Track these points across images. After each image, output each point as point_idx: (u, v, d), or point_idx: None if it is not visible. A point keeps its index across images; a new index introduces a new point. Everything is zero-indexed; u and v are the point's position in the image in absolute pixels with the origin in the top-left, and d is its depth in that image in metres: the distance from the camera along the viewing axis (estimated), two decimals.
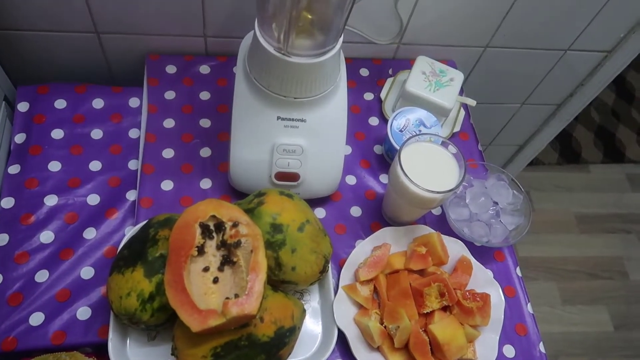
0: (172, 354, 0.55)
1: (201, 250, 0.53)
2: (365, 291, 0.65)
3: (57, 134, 0.74)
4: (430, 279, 0.65)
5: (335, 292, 0.65)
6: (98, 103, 0.78)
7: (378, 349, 0.63)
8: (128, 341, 0.60)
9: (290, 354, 0.59)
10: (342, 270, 0.67)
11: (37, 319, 0.61)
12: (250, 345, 0.54)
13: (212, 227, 0.54)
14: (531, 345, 0.69)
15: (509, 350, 0.68)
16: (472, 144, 0.86)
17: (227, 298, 0.50)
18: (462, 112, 0.87)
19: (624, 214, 1.75)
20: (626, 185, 1.82)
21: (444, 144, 0.68)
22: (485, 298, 0.65)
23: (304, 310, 0.61)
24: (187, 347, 0.53)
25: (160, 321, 0.56)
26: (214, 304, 0.51)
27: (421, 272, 0.68)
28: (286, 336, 0.56)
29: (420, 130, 0.75)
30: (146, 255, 0.56)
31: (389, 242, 0.69)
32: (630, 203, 1.78)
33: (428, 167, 0.66)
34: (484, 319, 0.65)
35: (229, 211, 0.55)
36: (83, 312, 0.63)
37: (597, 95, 1.12)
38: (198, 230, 0.53)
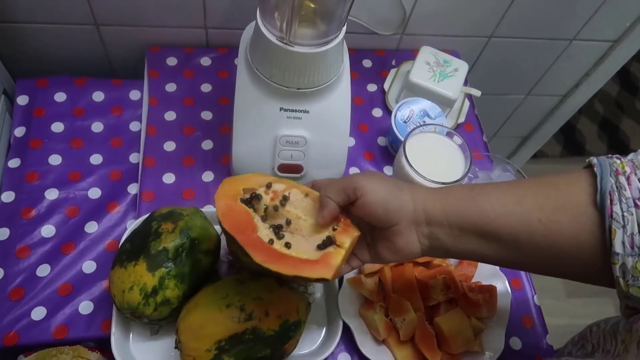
0: (176, 348, 0.54)
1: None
2: (370, 284, 0.64)
3: (57, 127, 0.74)
4: (435, 271, 0.64)
5: (340, 285, 0.64)
6: (98, 96, 0.77)
7: (383, 342, 0.63)
8: (131, 335, 0.60)
9: (295, 347, 0.58)
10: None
11: (39, 313, 0.61)
12: (255, 339, 0.53)
13: (248, 201, 0.52)
14: (538, 337, 0.68)
15: (516, 343, 0.67)
16: (476, 135, 0.85)
17: (320, 245, 0.49)
18: (467, 103, 0.86)
19: None
20: None
21: (449, 135, 0.67)
22: (491, 290, 0.65)
23: (309, 304, 0.60)
24: (190, 341, 0.53)
25: (163, 315, 0.56)
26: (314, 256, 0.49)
27: (426, 265, 0.67)
28: (291, 330, 0.55)
29: (424, 121, 0.74)
30: (149, 249, 0.55)
31: None
32: None
33: (433, 158, 0.65)
34: (490, 311, 0.64)
35: (252, 179, 0.53)
36: (85, 307, 0.62)
37: (602, 86, 1.11)
38: (244, 206, 0.51)
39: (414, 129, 0.65)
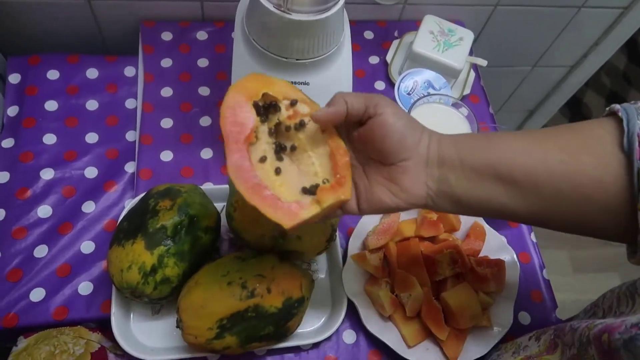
0: (177, 327, 0.53)
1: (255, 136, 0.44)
2: (375, 260, 0.62)
3: (51, 105, 0.72)
4: (442, 245, 0.63)
5: (344, 262, 0.63)
6: (92, 73, 0.75)
7: (389, 319, 0.61)
8: (132, 315, 0.59)
9: (299, 325, 0.57)
10: (351, 239, 0.65)
11: (37, 294, 0.60)
12: (258, 316, 0.52)
13: (263, 108, 0.45)
14: (547, 312, 0.67)
15: (525, 317, 0.66)
16: (482, 106, 0.82)
17: (305, 188, 0.43)
18: (472, 74, 0.83)
19: None
20: None
21: (455, 106, 0.65)
22: (499, 264, 0.63)
23: (313, 281, 0.59)
24: (192, 320, 0.52)
25: (163, 294, 0.54)
26: (290, 198, 0.42)
27: (432, 239, 0.66)
28: (294, 307, 0.54)
29: (428, 93, 0.72)
30: (147, 227, 0.54)
31: None
32: None
33: (438, 129, 0.62)
34: (498, 285, 0.62)
35: (281, 87, 0.46)
36: (85, 287, 0.61)
37: (610, 57, 1.08)
38: (253, 112, 0.44)
39: (418, 99, 0.63)
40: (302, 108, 0.45)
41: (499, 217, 0.45)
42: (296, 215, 0.41)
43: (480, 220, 0.67)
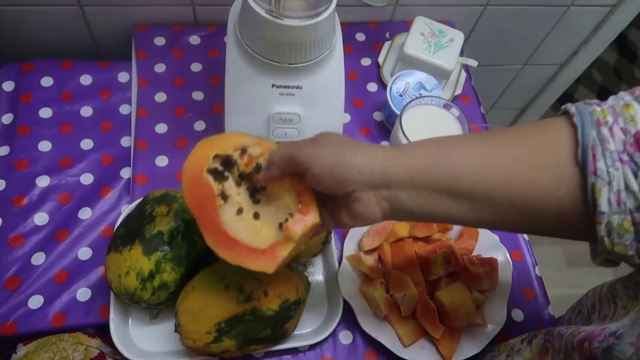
0: (176, 331, 0.54)
1: (223, 196, 0.47)
2: (369, 260, 0.63)
3: (45, 112, 0.72)
4: (435, 245, 0.64)
5: (340, 263, 0.64)
6: (86, 79, 0.75)
7: (385, 319, 0.62)
8: (130, 321, 0.59)
9: (296, 327, 0.58)
10: (346, 240, 0.65)
11: (36, 302, 0.60)
12: (255, 319, 0.53)
13: (220, 168, 0.48)
14: (540, 308, 0.68)
15: (518, 315, 0.67)
16: (474, 106, 0.83)
17: (281, 224, 0.46)
18: (463, 75, 0.84)
19: None
20: None
21: (446, 107, 0.65)
22: (492, 263, 0.64)
23: (309, 283, 0.59)
24: (190, 324, 0.52)
25: (161, 299, 0.55)
26: (272, 237, 0.46)
27: (426, 239, 0.67)
28: (291, 309, 0.55)
29: (420, 94, 0.73)
30: (144, 233, 0.54)
31: None
32: None
33: (430, 131, 0.64)
34: (491, 283, 0.63)
35: (228, 141, 0.48)
36: (83, 294, 0.61)
37: (600, 53, 1.09)
38: (210, 178, 0.47)
39: (410, 101, 0.63)
40: (254, 151, 0.48)
41: (455, 224, 0.45)
42: (275, 258, 0.44)
43: None
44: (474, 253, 0.66)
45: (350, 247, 0.65)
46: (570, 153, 0.37)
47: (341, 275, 0.62)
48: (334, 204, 0.45)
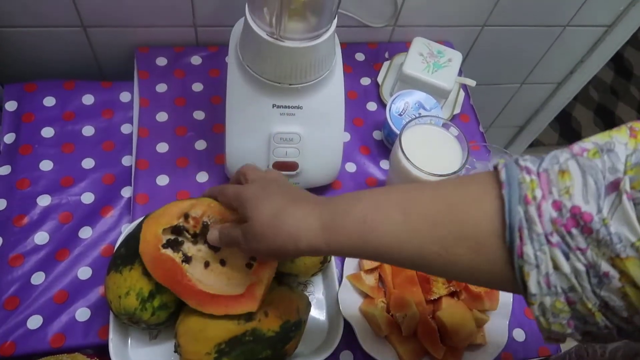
0: (175, 352, 0.53)
1: (186, 259, 0.53)
2: (370, 280, 0.63)
3: (47, 132, 0.72)
4: None
5: (340, 282, 0.63)
6: (88, 99, 0.76)
7: (386, 339, 0.62)
8: (129, 341, 0.59)
9: (296, 347, 0.57)
10: (346, 259, 0.65)
11: (35, 322, 0.60)
12: (256, 340, 0.52)
13: (173, 238, 0.53)
14: None
15: (519, 334, 0.66)
16: (473, 125, 0.84)
17: (247, 264, 0.52)
18: (462, 94, 0.85)
19: None
20: None
21: (445, 126, 0.66)
22: None
23: (309, 303, 0.59)
24: (190, 344, 0.52)
25: (161, 320, 0.55)
26: (243, 278, 0.52)
27: None
28: (292, 330, 0.55)
29: (419, 113, 0.74)
30: None
31: None
32: None
33: (430, 150, 0.64)
34: (492, 303, 0.63)
35: (169, 212, 0.53)
36: (82, 314, 0.61)
37: (597, 72, 1.10)
38: (169, 252, 0.52)
39: (409, 121, 0.64)
40: (195, 213, 0.53)
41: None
42: (255, 297, 0.51)
43: None
44: None
45: (350, 266, 0.65)
46: (498, 231, 0.34)
47: (341, 295, 0.62)
48: None
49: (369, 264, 0.64)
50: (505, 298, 0.65)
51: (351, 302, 0.62)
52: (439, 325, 0.61)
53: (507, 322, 0.63)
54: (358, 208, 0.41)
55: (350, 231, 0.40)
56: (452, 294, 0.64)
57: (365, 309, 0.62)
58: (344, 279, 0.63)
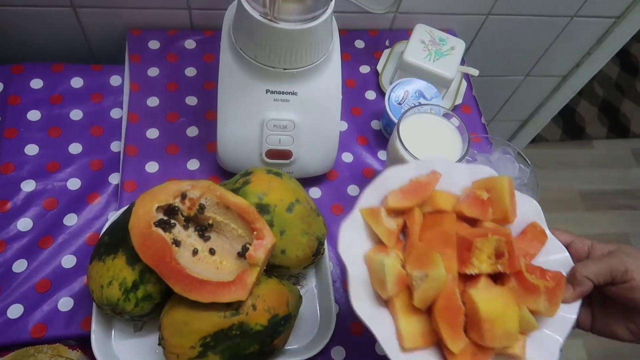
0: (159, 345, 0.51)
1: (176, 243, 0.50)
2: (390, 223, 0.46)
3: (34, 115, 0.70)
4: (488, 229, 0.45)
5: (343, 273, 0.61)
6: (77, 82, 0.74)
7: (387, 305, 0.44)
8: (113, 333, 0.57)
9: (285, 343, 0.55)
10: (366, 191, 0.47)
11: (15, 311, 0.58)
12: (242, 334, 0.50)
13: (166, 218, 0.51)
14: None
15: None
16: (474, 116, 0.81)
17: (240, 252, 0.50)
18: (464, 84, 0.82)
19: (629, 189, 1.72)
20: (631, 160, 1.78)
21: (445, 116, 0.63)
22: (558, 279, 0.45)
23: (300, 297, 0.57)
24: (174, 337, 0.50)
25: (145, 311, 0.53)
26: (233, 268, 0.50)
27: (473, 223, 0.48)
28: (281, 325, 0.52)
29: (419, 102, 0.71)
30: (128, 242, 0.52)
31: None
32: (636, 179, 1.74)
33: (429, 141, 0.62)
34: (551, 305, 0.45)
35: (167, 191, 0.51)
36: (64, 303, 0.59)
37: (603, 66, 1.07)
38: (160, 230, 0.50)
39: (408, 109, 0.61)
40: (194, 194, 0.51)
41: None
42: (245, 285, 0.49)
43: (542, 223, 0.49)
44: (535, 261, 0.48)
45: (369, 199, 0.47)
46: None
47: (345, 232, 0.45)
48: (606, 306, 0.47)
49: (397, 200, 0.47)
50: (569, 309, 0.46)
51: (356, 244, 0.45)
52: (468, 308, 0.42)
53: (560, 344, 0.45)
54: None
55: None
56: (497, 276, 0.45)
57: (372, 255, 0.45)
58: (356, 212, 0.46)
